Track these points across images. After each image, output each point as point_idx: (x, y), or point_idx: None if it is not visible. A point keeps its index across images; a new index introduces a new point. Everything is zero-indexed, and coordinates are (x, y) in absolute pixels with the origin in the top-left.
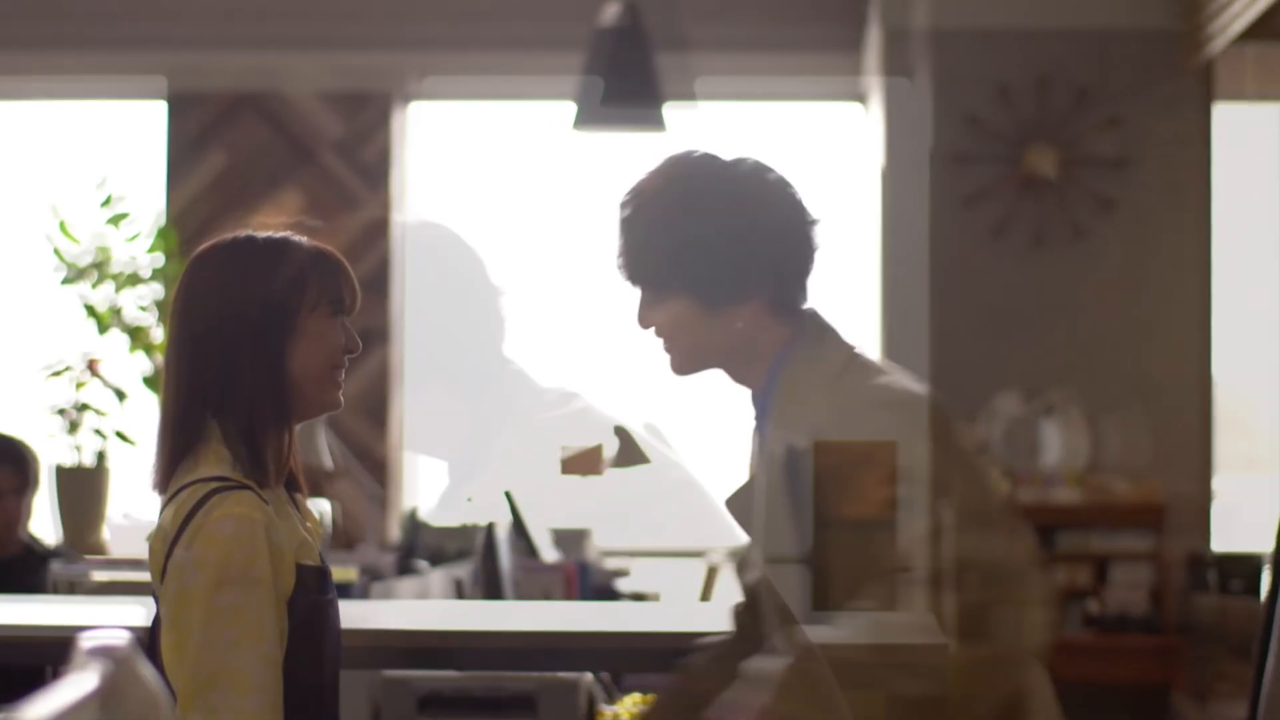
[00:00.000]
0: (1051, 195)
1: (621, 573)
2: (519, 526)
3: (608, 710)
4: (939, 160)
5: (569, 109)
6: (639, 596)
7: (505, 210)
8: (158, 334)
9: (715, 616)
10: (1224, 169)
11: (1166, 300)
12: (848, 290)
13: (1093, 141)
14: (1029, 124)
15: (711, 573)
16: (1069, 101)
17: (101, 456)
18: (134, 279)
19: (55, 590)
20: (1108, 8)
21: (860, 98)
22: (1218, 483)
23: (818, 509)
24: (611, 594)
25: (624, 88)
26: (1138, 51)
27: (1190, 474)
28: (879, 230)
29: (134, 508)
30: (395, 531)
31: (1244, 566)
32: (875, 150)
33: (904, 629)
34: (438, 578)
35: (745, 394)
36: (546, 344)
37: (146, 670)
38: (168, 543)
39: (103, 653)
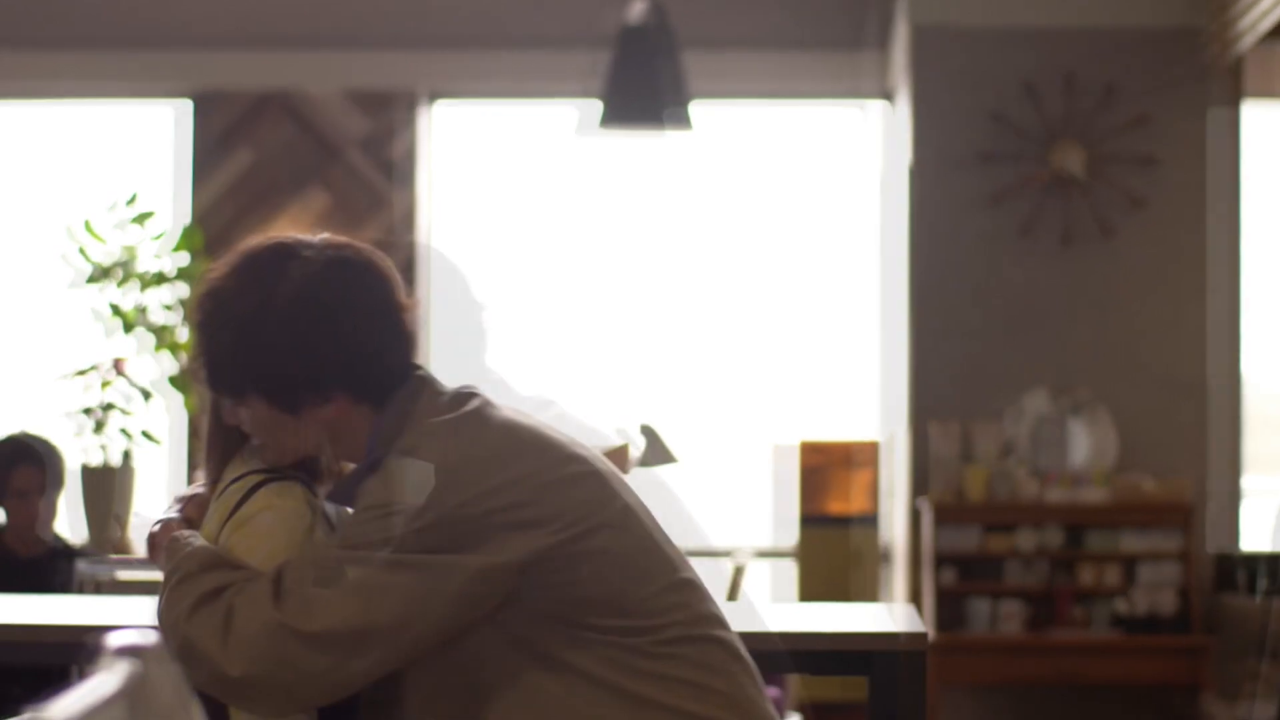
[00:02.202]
0: (1079, 194)
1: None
2: None
3: None
4: (966, 159)
5: (593, 107)
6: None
7: (527, 209)
8: (183, 334)
9: (743, 615)
10: (1253, 167)
11: (1195, 299)
12: (866, 291)
13: (1120, 140)
14: (1056, 122)
15: (738, 573)
16: (1096, 99)
17: (127, 456)
18: (159, 278)
19: (80, 589)
20: (1135, 5)
21: (886, 95)
22: (1246, 482)
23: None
24: None
25: (648, 87)
26: (1165, 49)
27: (1219, 473)
28: (906, 228)
29: (144, 508)
30: None
31: (1273, 566)
32: (904, 148)
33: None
34: None
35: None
36: (538, 350)
37: (173, 669)
38: (213, 539)
39: (129, 652)
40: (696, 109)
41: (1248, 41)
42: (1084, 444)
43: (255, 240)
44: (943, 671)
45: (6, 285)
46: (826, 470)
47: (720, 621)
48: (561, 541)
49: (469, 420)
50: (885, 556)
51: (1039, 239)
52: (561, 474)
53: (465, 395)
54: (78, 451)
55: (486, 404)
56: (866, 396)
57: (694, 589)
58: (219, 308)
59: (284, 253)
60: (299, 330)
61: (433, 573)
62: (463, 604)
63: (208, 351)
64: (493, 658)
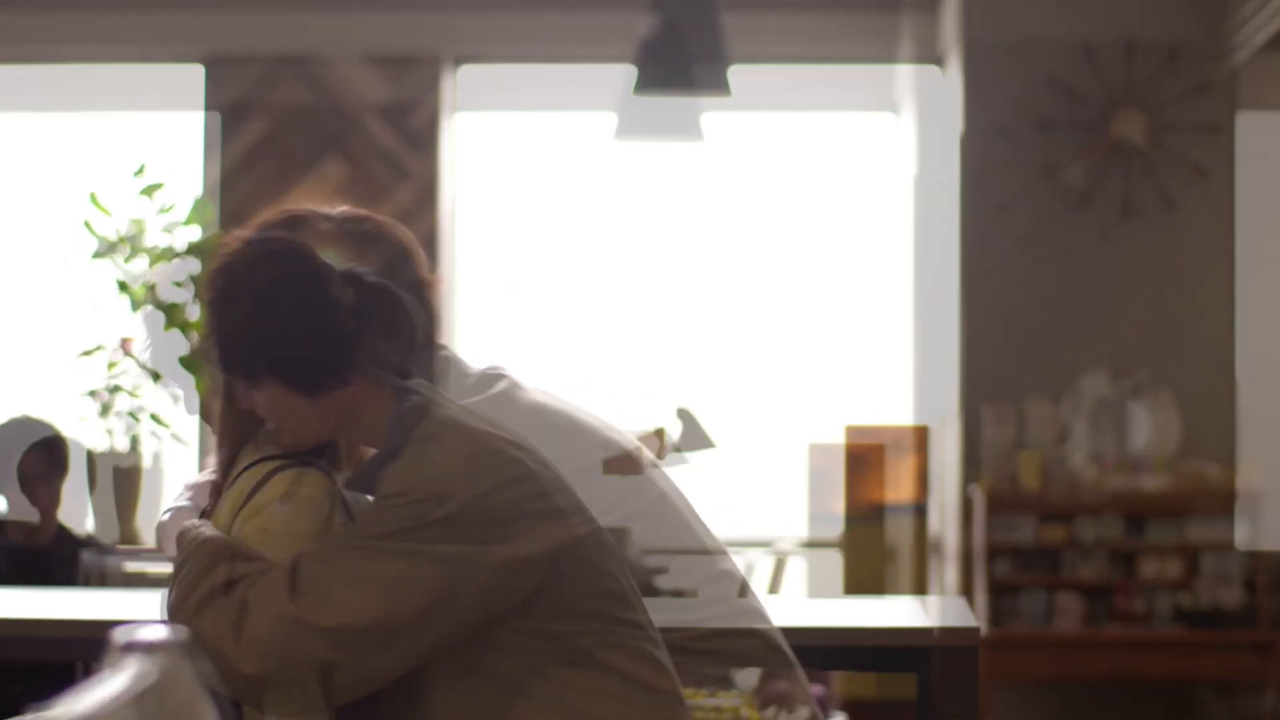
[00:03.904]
0: (1140, 164)
1: (660, 570)
2: None
3: None
4: (1021, 127)
5: (629, 72)
6: (678, 593)
7: (559, 180)
8: (193, 311)
9: (786, 610)
10: None
11: (1262, 275)
12: (915, 268)
13: (1184, 107)
14: (1116, 88)
15: (780, 563)
16: (1159, 64)
17: (136, 441)
18: (168, 253)
19: (86, 582)
20: None
21: (936, 59)
22: None
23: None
24: (651, 591)
25: (685, 50)
26: (1231, 9)
27: None
28: (957, 201)
29: (153, 495)
30: None
31: None
32: (954, 116)
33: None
34: None
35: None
36: (573, 332)
37: (186, 666)
38: (225, 529)
39: (140, 648)
40: (735, 73)
41: None
42: (1145, 428)
43: (271, 213)
44: (995, 668)
45: (11, 261)
46: (873, 457)
47: (760, 614)
48: (593, 531)
49: (496, 403)
50: (935, 548)
51: (1098, 211)
52: (593, 460)
53: (493, 376)
54: (84, 436)
55: (515, 385)
56: (915, 379)
57: (733, 581)
58: (231, 283)
59: (301, 226)
60: (315, 308)
61: (457, 565)
62: (489, 597)
63: (219, 330)
64: (519, 653)
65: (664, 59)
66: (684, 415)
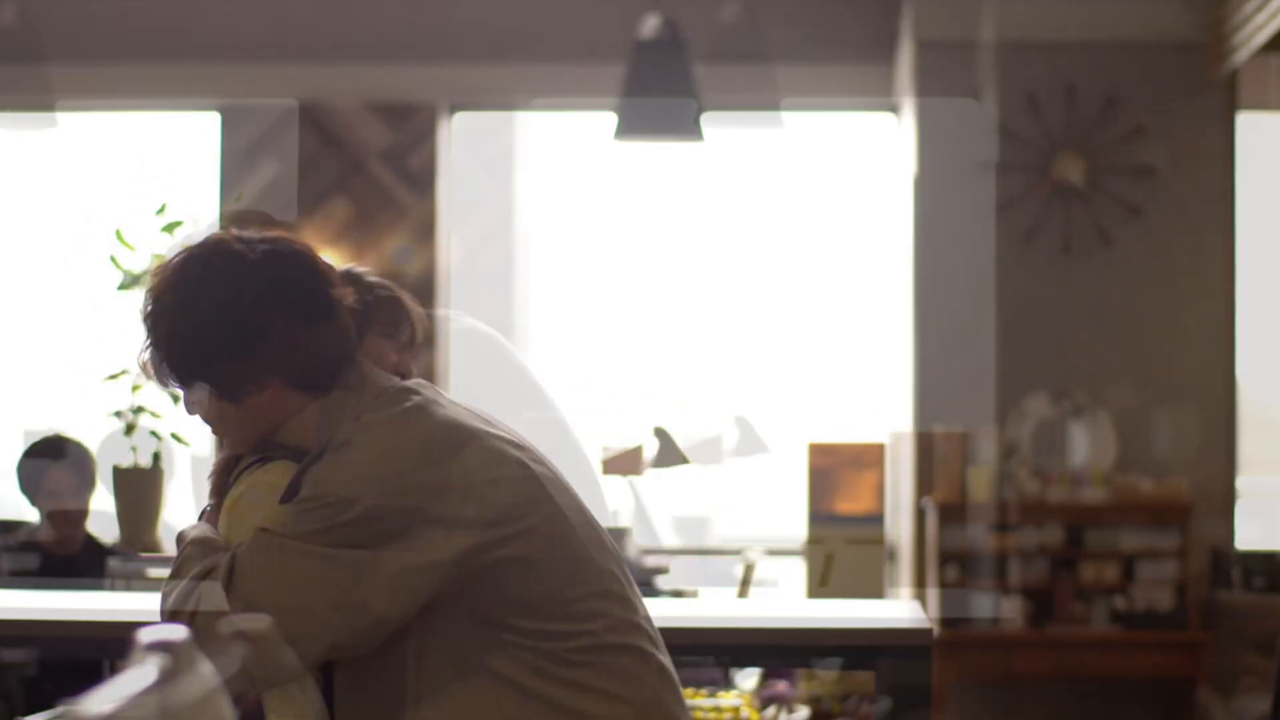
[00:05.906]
0: (1079, 203)
1: (661, 570)
2: None
3: None
4: (969, 169)
5: (610, 119)
6: (678, 593)
7: (546, 217)
8: None
9: (753, 611)
10: (1247, 176)
11: (1192, 304)
12: (881, 295)
13: (1120, 150)
14: (1057, 133)
15: (748, 570)
16: (1097, 111)
17: (157, 457)
18: None
19: (113, 586)
20: (1134, 20)
21: (892, 107)
22: (1241, 482)
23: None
24: (651, 591)
25: (661, 99)
26: (1164, 62)
27: (1214, 473)
28: (912, 236)
29: (173, 507)
30: None
31: (1266, 564)
32: (909, 159)
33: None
34: None
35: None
36: (560, 353)
37: (203, 663)
38: (224, 528)
39: (160, 646)
40: (709, 120)
41: (1243, 55)
42: (1083, 445)
43: (196, 238)
44: (946, 665)
45: (46, 289)
46: (834, 471)
47: (644, 632)
48: (487, 542)
49: (408, 415)
50: (891, 554)
51: (1040, 247)
52: (494, 475)
53: (408, 391)
54: (110, 453)
55: (429, 400)
56: (874, 399)
57: (620, 599)
58: (157, 301)
59: (219, 248)
60: (229, 320)
61: (360, 569)
62: (391, 601)
63: (153, 345)
64: (413, 656)
65: (641, 108)
66: (660, 433)
